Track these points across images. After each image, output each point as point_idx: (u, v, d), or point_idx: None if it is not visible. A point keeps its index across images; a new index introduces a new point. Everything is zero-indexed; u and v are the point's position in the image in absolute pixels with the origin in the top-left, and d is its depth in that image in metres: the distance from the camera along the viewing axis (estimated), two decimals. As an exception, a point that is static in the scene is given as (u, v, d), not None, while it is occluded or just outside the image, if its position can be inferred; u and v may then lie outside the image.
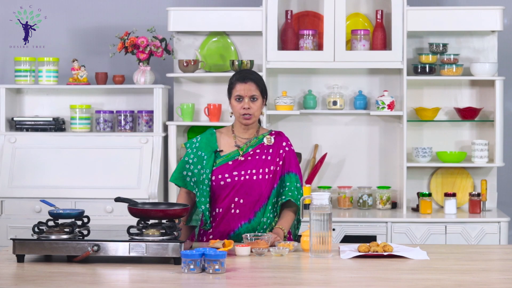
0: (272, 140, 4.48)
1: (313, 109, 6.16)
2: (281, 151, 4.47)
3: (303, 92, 6.22)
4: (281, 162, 4.45)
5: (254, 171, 4.40)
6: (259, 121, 4.56)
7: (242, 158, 4.42)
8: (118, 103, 6.36)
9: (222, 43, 6.24)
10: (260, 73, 5.98)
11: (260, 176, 4.40)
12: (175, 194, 5.95)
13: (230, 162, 4.42)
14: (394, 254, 4.06)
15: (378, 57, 5.99)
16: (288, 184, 4.44)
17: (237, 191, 4.39)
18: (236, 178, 4.39)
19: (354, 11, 6.22)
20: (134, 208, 4.07)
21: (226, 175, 4.39)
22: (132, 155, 6.00)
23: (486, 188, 6.03)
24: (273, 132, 4.52)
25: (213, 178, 4.40)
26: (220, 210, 4.42)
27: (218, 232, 4.41)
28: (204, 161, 4.43)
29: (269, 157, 4.44)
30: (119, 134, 6.16)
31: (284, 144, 4.50)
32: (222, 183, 4.38)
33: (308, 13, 6.22)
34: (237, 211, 4.40)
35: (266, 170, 4.41)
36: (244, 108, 4.39)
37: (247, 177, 4.39)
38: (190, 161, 4.48)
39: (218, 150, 4.45)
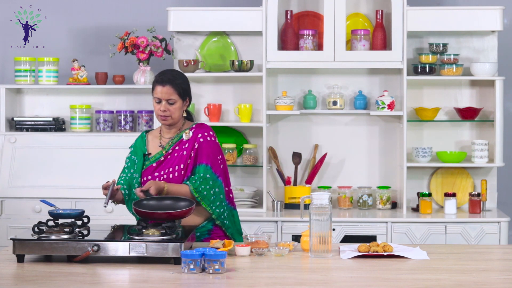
0: (190, 134, 4.51)
1: (313, 109, 6.16)
2: (195, 144, 4.49)
3: (303, 92, 6.23)
4: (193, 155, 4.47)
5: (171, 169, 4.46)
6: (191, 118, 4.60)
7: (163, 159, 4.48)
8: (118, 103, 6.37)
9: (222, 43, 6.24)
10: (260, 73, 6.00)
11: (176, 174, 4.45)
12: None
13: (154, 164, 4.49)
14: (394, 254, 4.06)
15: (378, 57, 5.99)
16: (194, 176, 4.42)
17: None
18: (157, 179, 4.44)
19: (354, 11, 6.22)
20: (139, 210, 4.10)
21: (149, 177, 4.46)
22: (132, 155, 5.99)
23: (486, 188, 6.02)
24: (193, 126, 4.55)
25: (141, 181, 4.47)
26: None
27: None
28: (136, 165, 4.51)
29: (184, 152, 4.48)
30: (119, 134, 6.16)
31: (199, 136, 4.50)
32: None
33: (308, 13, 6.22)
34: None
35: (182, 166, 4.46)
36: (161, 110, 4.46)
37: (165, 176, 4.44)
38: (125, 165, 4.57)
39: (146, 153, 4.51)
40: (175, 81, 4.48)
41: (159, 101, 4.47)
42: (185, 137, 4.50)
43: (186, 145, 4.48)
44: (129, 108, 6.33)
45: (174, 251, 3.87)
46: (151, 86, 6.03)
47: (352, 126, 6.25)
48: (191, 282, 3.60)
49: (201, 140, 4.48)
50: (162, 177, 4.43)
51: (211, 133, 4.52)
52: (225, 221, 4.50)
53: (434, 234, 5.74)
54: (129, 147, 4.63)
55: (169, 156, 4.48)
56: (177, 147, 4.49)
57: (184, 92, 4.51)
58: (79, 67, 6.20)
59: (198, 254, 3.70)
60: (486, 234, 5.74)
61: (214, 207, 4.43)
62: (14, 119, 6.22)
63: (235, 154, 6.13)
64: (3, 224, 5.92)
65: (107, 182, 4.32)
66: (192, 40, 6.25)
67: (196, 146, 4.47)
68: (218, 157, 4.50)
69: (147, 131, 4.63)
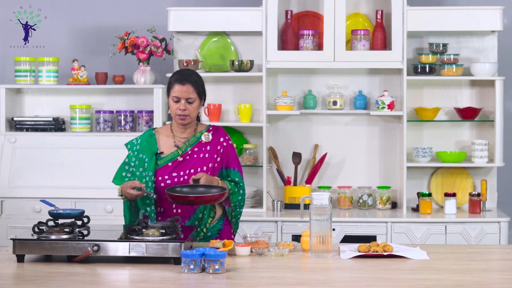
0: (210, 137, 4.51)
1: (313, 109, 6.16)
2: (218, 147, 4.50)
3: (303, 92, 6.23)
4: (218, 159, 4.49)
5: (192, 170, 4.44)
6: (198, 118, 4.60)
7: (181, 159, 4.46)
8: (118, 103, 6.37)
9: (222, 43, 6.24)
10: (260, 73, 6.00)
11: None
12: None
13: (170, 164, 4.46)
14: (394, 254, 4.06)
15: (378, 57, 5.99)
16: (235, 179, 4.49)
17: None
18: (176, 180, 4.43)
19: (354, 11, 6.22)
20: (173, 194, 4.16)
21: (166, 177, 4.43)
22: (132, 155, 5.99)
23: (486, 188, 6.02)
24: (210, 128, 4.55)
25: (155, 180, 4.43)
26: (162, 209, 4.45)
27: None
28: (146, 164, 4.47)
29: (206, 155, 4.48)
30: (119, 134, 6.16)
31: (221, 140, 4.53)
32: (162, 185, 4.42)
33: (308, 13, 6.22)
34: (179, 210, 4.43)
35: (204, 168, 4.45)
36: (180, 109, 4.42)
37: (186, 177, 4.42)
38: (132, 163, 4.51)
39: (158, 152, 4.48)
40: (194, 80, 4.45)
41: (178, 100, 4.43)
42: (204, 139, 4.49)
43: (208, 148, 4.49)
44: (129, 108, 6.33)
45: (174, 251, 3.87)
46: (151, 86, 6.09)
47: (352, 126, 6.25)
48: (191, 282, 3.60)
49: (225, 144, 4.52)
50: (182, 178, 4.41)
51: (228, 136, 4.57)
52: (237, 222, 4.59)
53: (434, 234, 5.74)
54: (127, 145, 4.56)
55: (187, 157, 4.46)
56: (196, 149, 4.48)
57: (202, 91, 4.48)
58: (79, 67, 6.20)
59: (198, 254, 3.70)
60: (486, 234, 5.74)
61: (240, 209, 4.54)
62: (14, 119, 6.21)
63: (235, 154, 6.13)
64: (3, 224, 5.92)
65: (140, 184, 4.31)
66: (192, 40, 6.25)
67: (221, 151, 4.50)
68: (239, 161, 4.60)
69: (153, 129, 4.60)
